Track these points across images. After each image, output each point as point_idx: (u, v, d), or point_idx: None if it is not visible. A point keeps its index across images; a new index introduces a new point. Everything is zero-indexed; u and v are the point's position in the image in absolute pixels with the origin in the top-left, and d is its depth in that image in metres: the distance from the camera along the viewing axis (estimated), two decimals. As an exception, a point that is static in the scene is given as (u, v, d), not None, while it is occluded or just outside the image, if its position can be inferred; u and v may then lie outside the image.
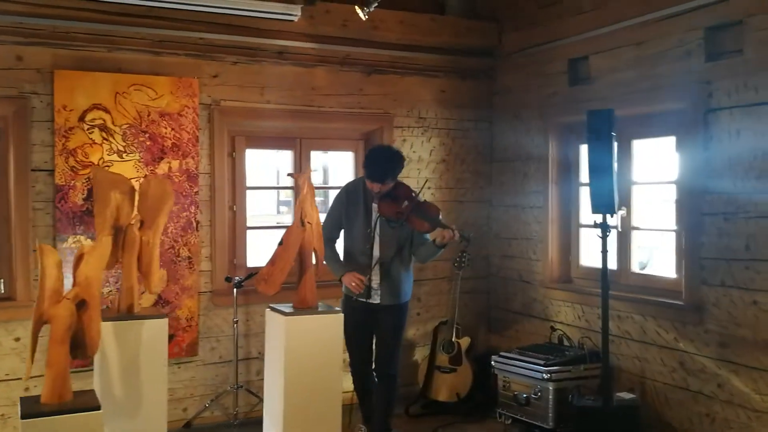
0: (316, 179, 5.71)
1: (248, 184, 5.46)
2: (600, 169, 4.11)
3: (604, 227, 4.24)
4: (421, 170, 5.95)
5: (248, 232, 5.52)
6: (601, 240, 4.27)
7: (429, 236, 4.55)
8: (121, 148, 4.85)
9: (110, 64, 4.87)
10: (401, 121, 5.85)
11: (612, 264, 5.08)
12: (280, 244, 4.00)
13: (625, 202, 5.00)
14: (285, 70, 5.42)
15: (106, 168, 4.72)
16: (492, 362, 5.20)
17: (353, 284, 4.43)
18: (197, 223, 5.08)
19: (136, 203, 4.04)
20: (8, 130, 4.67)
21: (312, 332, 4.23)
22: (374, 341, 4.71)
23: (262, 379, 5.32)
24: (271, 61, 5.37)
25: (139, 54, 4.95)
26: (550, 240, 5.54)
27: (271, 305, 4.52)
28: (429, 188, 5.97)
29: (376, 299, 4.53)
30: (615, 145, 4.17)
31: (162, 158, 4.96)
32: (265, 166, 5.73)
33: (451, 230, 4.38)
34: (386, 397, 4.66)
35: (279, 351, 4.23)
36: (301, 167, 5.64)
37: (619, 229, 4.95)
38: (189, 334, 5.09)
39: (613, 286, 4.91)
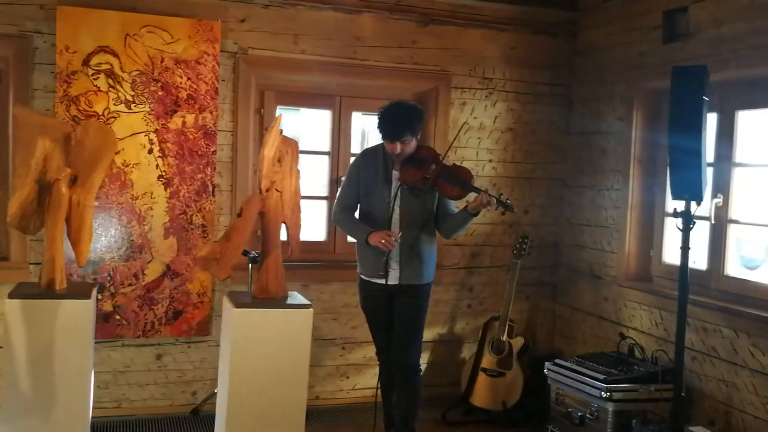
0: (354, 145, 4.90)
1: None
2: (684, 143, 3.19)
3: (687, 218, 3.34)
4: (482, 139, 5.12)
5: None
6: (681, 233, 3.35)
7: (455, 206, 3.95)
8: (130, 98, 4.29)
9: (123, 1, 4.30)
10: (461, 81, 5.03)
11: (702, 263, 4.14)
12: (239, 215, 3.29)
13: (723, 189, 4.03)
14: (324, 16, 4.71)
15: (103, 119, 4.17)
16: (545, 370, 4.36)
17: (383, 242, 3.74)
18: (213, 186, 4.49)
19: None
20: (8, 72, 4.20)
21: (268, 330, 3.45)
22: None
23: (282, 367, 4.74)
24: (308, 4, 4.67)
25: (157, -9, 4.37)
26: (628, 229, 4.61)
27: (232, 292, 3.82)
28: (490, 161, 5.14)
29: (394, 280, 3.86)
30: (708, 114, 3.23)
31: (175, 111, 4.37)
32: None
33: (486, 194, 3.68)
34: (407, 394, 3.96)
35: (226, 349, 3.53)
36: (340, 130, 4.94)
37: (712, 221, 3.99)
38: (200, 311, 4.53)
39: (699, 290, 4.01)
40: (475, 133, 5.09)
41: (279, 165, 3.30)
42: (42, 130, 3.29)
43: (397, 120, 3.78)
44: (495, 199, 3.69)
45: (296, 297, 3.70)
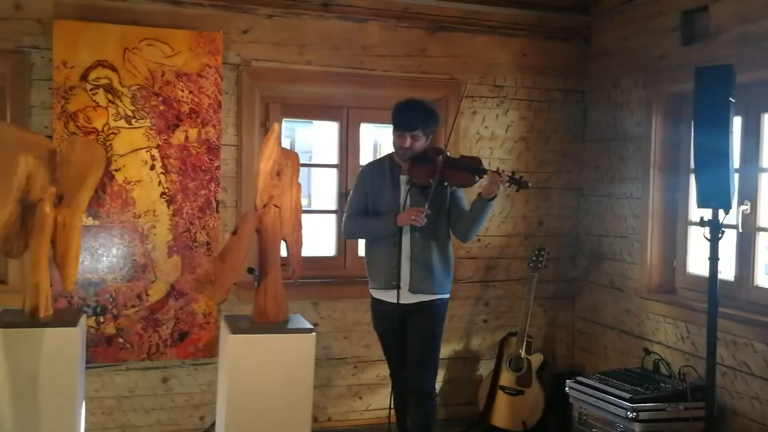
0: (364, 157, 4.74)
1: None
2: (711, 147, 3.02)
3: (715, 226, 3.14)
4: (494, 149, 4.95)
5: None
6: (710, 243, 3.16)
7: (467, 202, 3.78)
8: (130, 113, 4.15)
9: (122, 14, 4.18)
10: (472, 90, 4.87)
11: (729, 274, 3.95)
12: (234, 233, 3.11)
13: (750, 195, 3.85)
14: (330, 25, 4.57)
15: (103, 135, 4.03)
16: (567, 388, 4.17)
17: (413, 217, 3.54)
18: (218, 202, 4.34)
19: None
20: (5, 88, 4.07)
21: (267, 356, 3.24)
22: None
23: (292, 389, 4.57)
24: (313, 14, 4.53)
25: (156, 4, 4.24)
26: (650, 239, 4.42)
27: (230, 316, 3.64)
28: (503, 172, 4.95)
29: (404, 295, 3.66)
30: (735, 117, 3.06)
31: (177, 126, 4.23)
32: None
33: (497, 174, 3.54)
34: (421, 421, 3.74)
35: (223, 377, 3.34)
36: (348, 142, 4.79)
37: (740, 230, 3.81)
38: (207, 332, 4.36)
39: (729, 302, 3.82)
40: (486, 143, 4.92)
41: (278, 179, 3.13)
42: (24, 147, 3.12)
43: (412, 112, 3.66)
44: (507, 177, 3.55)
45: (298, 320, 3.51)
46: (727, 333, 3.78)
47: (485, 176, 3.58)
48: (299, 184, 3.34)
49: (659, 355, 4.19)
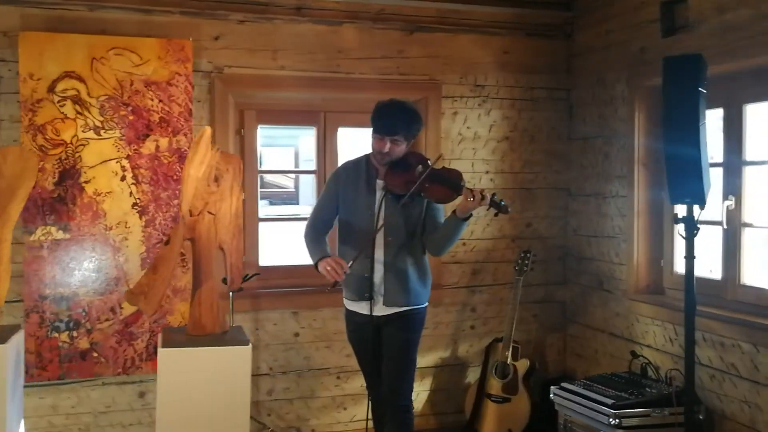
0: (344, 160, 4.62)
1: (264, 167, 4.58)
2: (681, 140, 2.88)
3: (690, 224, 3.00)
4: (477, 150, 4.84)
5: (261, 224, 4.66)
6: (685, 241, 3.03)
7: (443, 215, 3.54)
8: (99, 124, 4.09)
9: (91, 24, 4.12)
10: (452, 90, 4.77)
11: (717, 272, 3.81)
12: (166, 243, 3.01)
13: (734, 190, 3.71)
14: (304, 29, 4.49)
15: (72, 147, 3.97)
16: (551, 394, 4.04)
17: (328, 269, 3.33)
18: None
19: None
20: (-28, 103, 4.04)
21: (199, 371, 3.10)
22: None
23: (274, 400, 4.51)
24: (286, 18, 4.45)
25: (125, 13, 4.18)
26: (636, 238, 4.28)
27: (168, 328, 3.52)
28: (486, 173, 4.85)
29: (378, 306, 3.49)
30: (712, 109, 2.93)
31: (148, 135, 4.16)
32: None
33: (477, 194, 3.24)
34: None
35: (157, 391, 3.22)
36: (325, 147, 4.70)
37: (725, 226, 3.66)
38: (183, 344, 4.28)
39: (715, 301, 3.71)
40: (469, 144, 4.81)
41: (216, 185, 3.02)
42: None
43: (394, 114, 3.42)
44: (488, 198, 3.28)
45: (237, 332, 3.36)
46: (714, 334, 3.64)
47: (463, 193, 3.31)
48: (241, 191, 3.23)
49: (647, 359, 4.05)
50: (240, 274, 3.36)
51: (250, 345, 3.23)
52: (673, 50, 3.91)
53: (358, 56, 4.59)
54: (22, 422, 3.47)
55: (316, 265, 3.46)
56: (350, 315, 3.66)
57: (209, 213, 3.02)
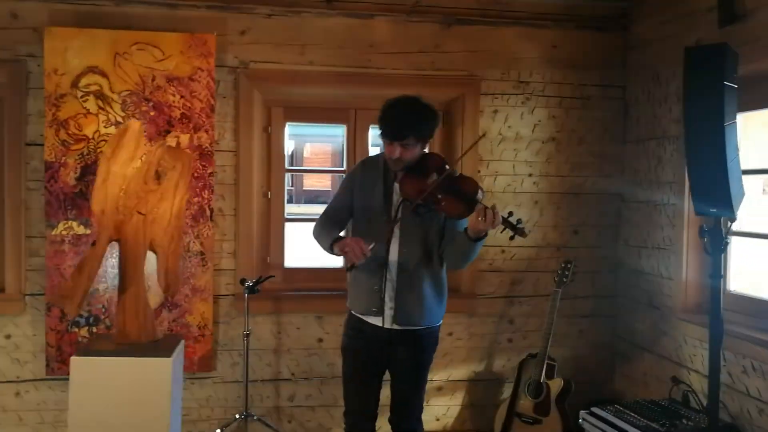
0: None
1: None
2: (702, 142, 2.50)
3: (717, 237, 2.61)
4: (518, 151, 4.51)
5: (287, 224, 4.51)
6: (711, 257, 2.64)
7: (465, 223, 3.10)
8: (120, 119, 4.06)
9: (117, 19, 4.10)
10: (492, 87, 4.47)
11: (759, 290, 3.37)
12: (93, 244, 2.86)
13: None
14: (333, 23, 4.31)
15: (93, 142, 3.95)
16: (579, 419, 3.68)
17: (346, 250, 3.00)
18: (211, 211, 4.16)
19: None
20: (4, 98, 4.09)
21: (114, 382, 2.93)
22: (393, 382, 3.36)
23: (296, 406, 4.36)
24: (314, 11, 4.29)
25: (151, 8, 4.14)
26: (685, 251, 3.86)
27: (97, 334, 3.35)
28: (530, 175, 4.52)
29: (389, 321, 3.19)
30: (735, 103, 2.53)
31: (169, 131, 4.09)
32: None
33: (490, 214, 2.84)
34: None
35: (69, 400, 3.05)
36: (355, 145, 4.50)
37: (779, 241, 3.21)
38: (202, 345, 4.19)
39: (760, 323, 3.23)
40: (510, 144, 4.50)
41: (157, 182, 2.86)
42: None
43: (401, 116, 3.08)
44: (502, 218, 2.90)
45: (168, 342, 3.19)
46: (755, 360, 3.20)
47: (476, 210, 2.93)
48: (187, 189, 3.04)
49: (689, 386, 3.63)
50: (177, 279, 3.16)
51: (171, 358, 3.04)
52: (731, 42, 3.48)
53: (390, 50, 4.37)
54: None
55: (331, 249, 3.16)
56: (357, 322, 3.34)
57: (138, 213, 2.86)
